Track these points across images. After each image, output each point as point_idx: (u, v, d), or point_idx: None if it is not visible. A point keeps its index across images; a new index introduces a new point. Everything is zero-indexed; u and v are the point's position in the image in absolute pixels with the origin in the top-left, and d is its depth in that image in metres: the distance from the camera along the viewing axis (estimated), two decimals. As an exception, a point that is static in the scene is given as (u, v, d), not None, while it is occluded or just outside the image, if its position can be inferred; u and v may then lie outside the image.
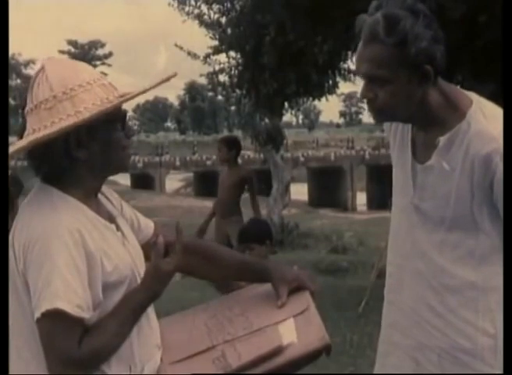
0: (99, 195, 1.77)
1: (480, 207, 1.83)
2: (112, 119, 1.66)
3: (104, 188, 1.80)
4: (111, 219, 1.75)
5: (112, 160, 1.70)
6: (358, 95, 1.91)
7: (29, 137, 1.61)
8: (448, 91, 1.89)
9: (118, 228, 1.74)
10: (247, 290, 2.00)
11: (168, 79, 1.72)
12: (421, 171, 1.92)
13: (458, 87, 2.04)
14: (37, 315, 1.53)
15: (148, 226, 1.91)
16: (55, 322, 1.53)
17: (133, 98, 1.68)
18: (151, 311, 1.76)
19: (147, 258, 1.85)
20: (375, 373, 2.10)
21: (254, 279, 1.96)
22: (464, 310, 1.87)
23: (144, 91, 1.70)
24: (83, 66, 1.70)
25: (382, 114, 1.92)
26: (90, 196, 1.70)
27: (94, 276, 1.58)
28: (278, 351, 1.65)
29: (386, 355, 2.05)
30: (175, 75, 1.74)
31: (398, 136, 2.02)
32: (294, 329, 1.71)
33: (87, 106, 1.61)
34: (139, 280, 1.72)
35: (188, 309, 1.97)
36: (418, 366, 1.94)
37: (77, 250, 1.55)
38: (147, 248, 1.86)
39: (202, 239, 2.11)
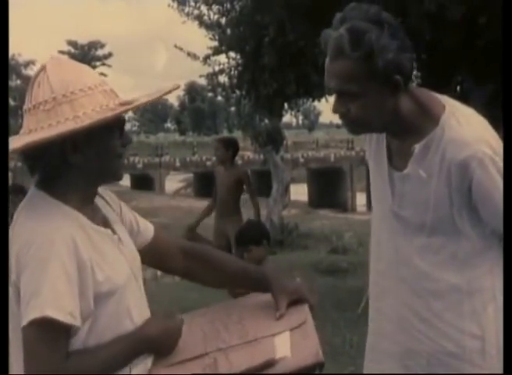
0: (97, 198, 1.75)
1: (459, 212, 1.83)
2: (110, 126, 1.63)
3: (102, 191, 1.78)
4: (106, 223, 1.72)
5: (107, 168, 1.68)
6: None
7: (25, 138, 1.59)
8: (420, 96, 1.88)
9: (114, 232, 1.72)
10: (248, 298, 1.98)
11: (170, 91, 1.71)
12: (398, 179, 1.92)
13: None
14: (24, 323, 1.49)
15: (148, 229, 1.89)
16: (43, 330, 1.49)
17: (134, 108, 1.65)
18: (141, 315, 1.72)
19: (145, 261, 1.85)
20: None
21: (254, 287, 1.94)
22: (449, 314, 1.87)
23: (146, 103, 1.67)
24: (85, 69, 1.68)
25: (356, 127, 1.91)
26: (85, 202, 1.67)
27: (86, 286, 1.56)
28: (269, 364, 1.62)
29: (375, 363, 2.04)
30: (178, 87, 1.73)
31: (373, 144, 2.02)
32: (289, 342, 1.68)
33: (87, 112, 1.58)
34: (135, 284, 1.71)
35: (187, 312, 1.96)
36: (408, 372, 1.93)
37: (70, 258, 1.53)
38: (147, 251, 1.85)
39: (203, 244, 2.09)
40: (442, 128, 1.82)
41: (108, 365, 1.59)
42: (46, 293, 1.49)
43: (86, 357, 1.57)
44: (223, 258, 1.97)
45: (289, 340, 1.68)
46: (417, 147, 1.85)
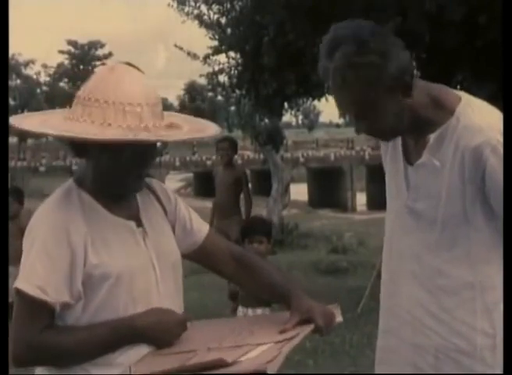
0: (146, 193, 1.83)
1: (473, 203, 1.81)
2: (113, 145, 1.64)
3: (157, 186, 1.87)
4: (134, 217, 1.78)
5: (118, 181, 1.73)
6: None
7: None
8: (432, 91, 1.88)
9: (139, 225, 1.77)
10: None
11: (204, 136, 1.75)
12: (412, 171, 1.92)
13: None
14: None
15: (201, 230, 1.95)
16: (20, 301, 1.63)
17: (114, 141, 1.62)
18: (150, 306, 1.74)
19: (197, 261, 1.96)
20: None
21: (277, 301, 1.99)
22: (460, 311, 1.86)
23: (153, 141, 1.69)
24: (133, 87, 1.65)
25: (385, 134, 1.93)
26: (110, 196, 1.75)
27: (76, 266, 1.64)
28: (219, 363, 1.58)
29: (384, 362, 2.03)
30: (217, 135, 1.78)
31: (390, 144, 2.01)
32: (260, 353, 1.65)
33: (86, 120, 1.65)
34: (152, 276, 1.74)
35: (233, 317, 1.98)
36: (416, 369, 1.92)
37: (56, 241, 1.64)
38: (198, 251, 1.93)
39: (251, 253, 2.16)
40: (457, 117, 1.82)
41: (85, 345, 1.65)
42: (25, 269, 1.63)
43: (63, 334, 1.65)
44: (270, 270, 1.98)
45: (263, 351, 1.65)
46: (433, 136, 1.84)
